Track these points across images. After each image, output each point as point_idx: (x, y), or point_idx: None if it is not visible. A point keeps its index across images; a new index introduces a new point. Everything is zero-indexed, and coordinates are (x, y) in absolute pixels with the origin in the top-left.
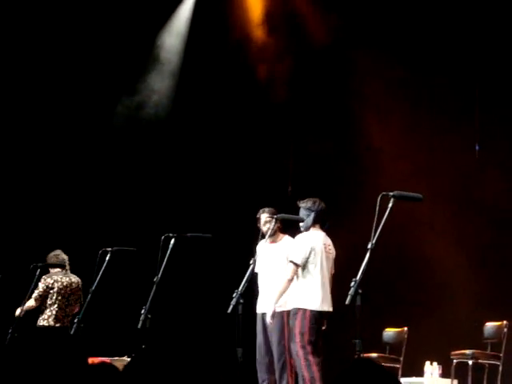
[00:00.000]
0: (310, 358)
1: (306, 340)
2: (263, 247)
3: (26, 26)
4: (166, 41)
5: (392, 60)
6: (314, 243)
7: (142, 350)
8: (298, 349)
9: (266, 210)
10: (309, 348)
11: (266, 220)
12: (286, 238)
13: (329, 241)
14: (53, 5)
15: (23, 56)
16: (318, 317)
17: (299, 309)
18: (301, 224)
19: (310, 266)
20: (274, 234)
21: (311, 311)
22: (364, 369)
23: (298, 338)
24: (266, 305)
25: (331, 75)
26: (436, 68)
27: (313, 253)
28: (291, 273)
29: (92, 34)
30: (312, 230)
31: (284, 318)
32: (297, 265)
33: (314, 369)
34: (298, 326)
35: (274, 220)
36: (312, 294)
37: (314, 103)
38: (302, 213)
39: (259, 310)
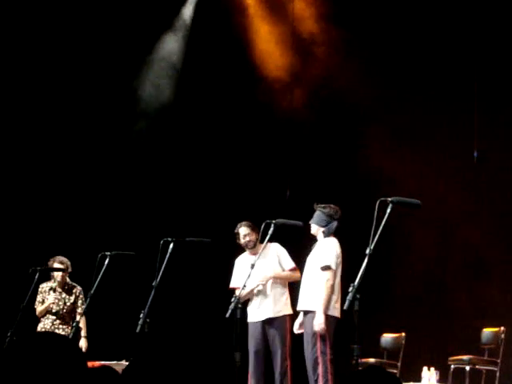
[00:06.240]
0: (329, 364)
1: (328, 345)
2: (246, 260)
3: (27, 24)
4: (168, 45)
5: (390, 64)
6: (339, 250)
7: (140, 353)
8: (317, 354)
9: (244, 223)
10: (329, 355)
11: (245, 233)
12: (271, 245)
13: None
14: (56, 5)
15: (24, 56)
16: (336, 323)
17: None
18: (322, 229)
19: (337, 272)
20: (255, 246)
21: (332, 317)
22: (376, 377)
23: (318, 343)
24: (267, 313)
25: (330, 89)
26: (434, 74)
27: (339, 259)
28: (332, 278)
29: (92, 34)
30: (331, 236)
31: (287, 322)
32: (333, 269)
33: (330, 377)
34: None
35: (253, 232)
36: (334, 299)
37: (313, 110)
38: (320, 217)
39: (257, 318)
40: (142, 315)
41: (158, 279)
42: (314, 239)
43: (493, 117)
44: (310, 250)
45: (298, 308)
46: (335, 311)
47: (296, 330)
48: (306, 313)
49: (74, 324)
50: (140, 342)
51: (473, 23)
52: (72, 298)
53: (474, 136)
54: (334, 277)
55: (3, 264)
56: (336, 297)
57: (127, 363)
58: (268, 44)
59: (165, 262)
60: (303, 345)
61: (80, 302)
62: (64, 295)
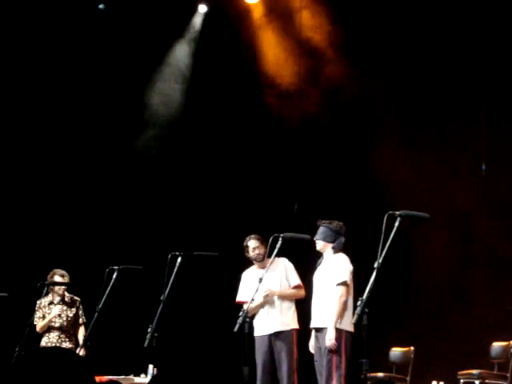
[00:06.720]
0: (342, 380)
1: (343, 360)
2: (253, 274)
3: (40, 35)
4: (178, 55)
5: (398, 78)
6: (351, 265)
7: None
8: (332, 369)
9: (253, 236)
10: (343, 370)
11: (255, 246)
12: (279, 260)
13: None
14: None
15: (37, 68)
16: (350, 338)
17: (336, 329)
18: (331, 245)
19: (350, 288)
20: (263, 259)
21: (347, 332)
22: None
23: (334, 358)
24: (274, 326)
25: (339, 99)
26: (442, 87)
27: (352, 275)
28: (345, 294)
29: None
30: (340, 252)
31: (294, 336)
32: (348, 285)
33: None
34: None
35: (262, 245)
36: (348, 315)
37: (320, 124)
38: (327, 233)
39: (264, 331)
40: (149, 329)
41: (166, 293)
42: (319, 254)
43: (502, 127)
44: (316, 267)
45: (312, 325)
46: (351, 326)
47: (312, 349)
48: (319, 329)
49: (85, 339)
50: (148, 357)
51: (483, 32)
52: (74, 310)
53: (483, 146)
54: (348, 292)
55: (11, 279)
56: (350, 312)
57: (135, 378)
58: (276, 53)
59: (173, 276)
60: (313, 360)
61: (80, 312)
62: (65, 308)
